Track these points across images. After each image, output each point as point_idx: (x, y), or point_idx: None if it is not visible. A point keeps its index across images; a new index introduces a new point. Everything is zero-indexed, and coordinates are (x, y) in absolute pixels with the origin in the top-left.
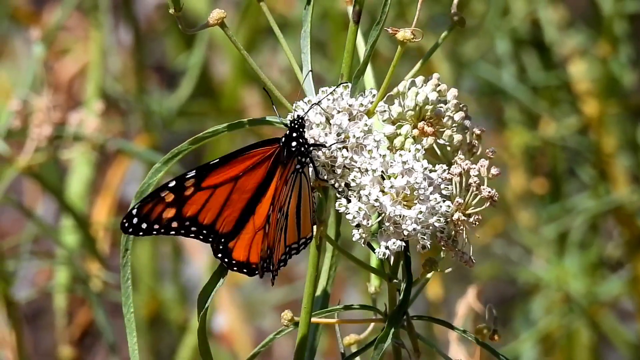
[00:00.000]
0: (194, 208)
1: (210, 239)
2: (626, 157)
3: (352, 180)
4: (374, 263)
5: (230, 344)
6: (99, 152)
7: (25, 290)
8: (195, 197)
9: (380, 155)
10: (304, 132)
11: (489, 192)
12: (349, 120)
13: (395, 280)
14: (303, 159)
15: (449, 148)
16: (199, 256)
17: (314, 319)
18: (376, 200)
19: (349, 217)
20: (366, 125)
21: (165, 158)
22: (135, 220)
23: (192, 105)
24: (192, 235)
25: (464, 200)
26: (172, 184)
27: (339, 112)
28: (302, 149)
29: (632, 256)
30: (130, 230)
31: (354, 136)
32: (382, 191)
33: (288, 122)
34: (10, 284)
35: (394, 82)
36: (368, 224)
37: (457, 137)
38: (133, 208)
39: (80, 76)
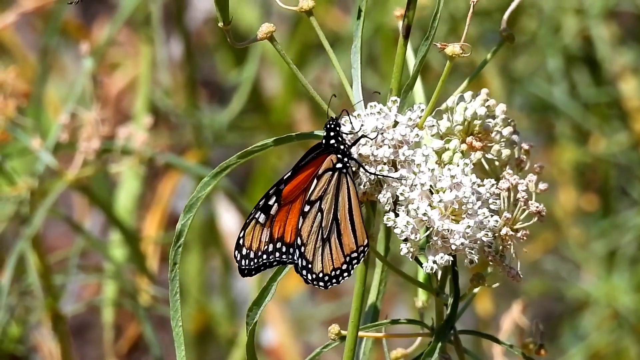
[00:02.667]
0: (279, 229)
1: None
2: None
3: (401, 194)
4: (421, 277)
5: (279, 359)
6: (147, 166)
7: (72, 304)
8: (279, 216)
9: (428, 169)
10: (340, 131)
11: (537, 207)
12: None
13: (442, 295)
14: (344, 159)
15: (497, 163)
16: None
17: (360, 333)
18: (424, 214)
19: (397, 231)
20: (417, 135)
21: (214, 172)
22: (244, 252)
23: (243, 119)
24: (285, 258)
25: (512, 215)
26: (261, 202)
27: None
28: (342, 147)
29: None
30: (245, 264)
31: (404, 154)
32: (431, 205)
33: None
34: (58, 298)
35: (445, 98)
36: (416, 238)
37: (506, 152)
38: (239, 237)
39: (130, 90)
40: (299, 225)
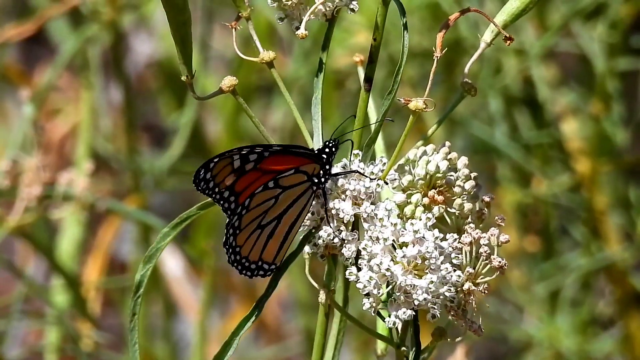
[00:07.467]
0: (242, 185)
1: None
2: (618, 215)
3: (363, 248)
4: (380, 328)
5: None
6: (89, 211)
7: (16, 350)
8: (249, 175)
9: (391, 224)
10: (333, 157)
11: (499, 261)
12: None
13: (403, 348)
14: (322, 178)
15: (458, 215)
16: (191, 313)
17: None
18: (387, 269)
19: (359, 285)
20: (379, 185)
21: (174, 223)
22: (208, 175)
23: (184, 164)
24: (229, 214)
25: (474, 270)
26: (245, 150)
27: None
28: (327, 167)
29: (624, 314)
30: (202, 185)
31: (365, 211)
32: (393, 260)
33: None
34: (2, 343)
35: (392, 145)
36: (379, 293)
37: (468, 206)
38: (211, 161)
39: (71, 136)
40: (255, 192)
